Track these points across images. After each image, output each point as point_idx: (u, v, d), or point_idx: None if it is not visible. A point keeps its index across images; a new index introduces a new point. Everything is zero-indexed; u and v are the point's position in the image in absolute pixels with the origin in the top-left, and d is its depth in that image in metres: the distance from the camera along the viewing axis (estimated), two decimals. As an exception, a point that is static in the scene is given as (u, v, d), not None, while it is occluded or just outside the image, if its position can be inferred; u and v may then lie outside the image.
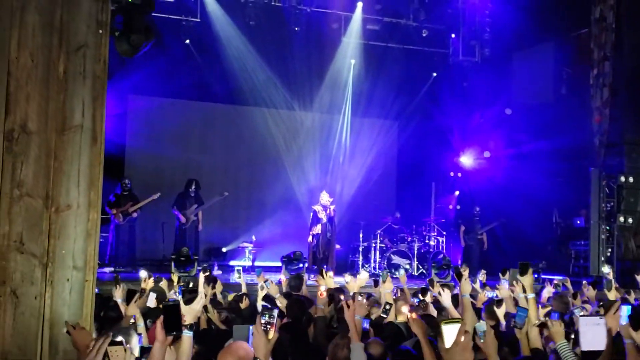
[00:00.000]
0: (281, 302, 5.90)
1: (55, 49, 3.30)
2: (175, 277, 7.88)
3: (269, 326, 3.05)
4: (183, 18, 13.42)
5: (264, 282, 6.77)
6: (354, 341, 3.99)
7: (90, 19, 3.29)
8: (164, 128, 14.41)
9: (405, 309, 4.60)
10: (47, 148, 3.27)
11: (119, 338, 3.01)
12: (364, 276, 7.24)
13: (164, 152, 14.12)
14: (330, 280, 6.84)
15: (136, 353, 2.92)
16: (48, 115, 3.27)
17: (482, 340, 3.44)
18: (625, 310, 4.49)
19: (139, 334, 3.95)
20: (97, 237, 3.39)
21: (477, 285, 7.62)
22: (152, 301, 5.53)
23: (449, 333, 2.38)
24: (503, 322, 5.39)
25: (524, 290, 4.64)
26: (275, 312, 3.10)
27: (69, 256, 3.28)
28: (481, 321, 3.86)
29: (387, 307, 5.21)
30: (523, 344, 4.38)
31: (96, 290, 6.20)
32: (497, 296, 6.15)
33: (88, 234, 3.30)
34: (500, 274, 6.75)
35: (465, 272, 5.28)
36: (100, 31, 3.31)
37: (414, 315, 3.95)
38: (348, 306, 4.15)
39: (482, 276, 8.24)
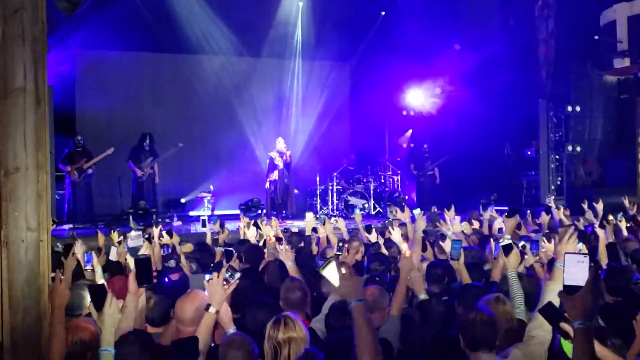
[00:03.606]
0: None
1: (-9, 13, 3.26)
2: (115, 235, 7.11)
3: (226, 283, 3.26)
4: (125, -32, 13.01)
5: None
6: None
7: (23, -20, 3.24)
8: (114, 82, 14.15)
9: (405, 246, 4.83)
10: (-10, 112, 3.26)
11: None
12: (309, 217, 7.77)
13: (115, 106, 13.91)
14: (269, 229, 7.25)
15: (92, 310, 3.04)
16: (-12, 79, 3.25)
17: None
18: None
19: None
20: (48, 198, 3.43)
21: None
22: (114, 255, 5.66)
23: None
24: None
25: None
26: (238, 275, 3.30)
27: (22, 218, 3.32)
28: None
29: (340, 244, 5.40)
30: (463, 275, 4.64)
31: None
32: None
33: (39, 195, 3.32)
34: (445, 210, 7.16)
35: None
36: (36, -9, 3.26)
37: (407, 252, 4.13)
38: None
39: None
